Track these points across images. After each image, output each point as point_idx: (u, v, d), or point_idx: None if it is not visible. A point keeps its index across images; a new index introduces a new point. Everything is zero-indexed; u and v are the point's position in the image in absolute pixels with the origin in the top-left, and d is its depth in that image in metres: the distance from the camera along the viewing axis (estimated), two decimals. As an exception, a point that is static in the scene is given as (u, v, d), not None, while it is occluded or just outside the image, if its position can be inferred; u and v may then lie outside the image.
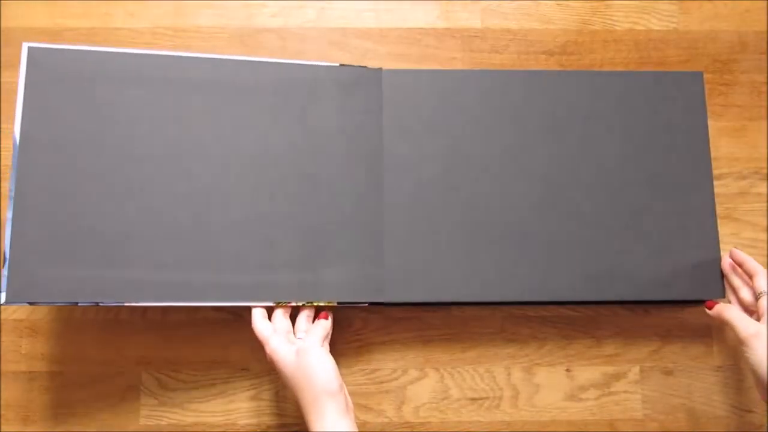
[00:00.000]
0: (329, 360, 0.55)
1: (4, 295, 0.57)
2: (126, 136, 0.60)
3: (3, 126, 0.68)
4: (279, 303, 0.62)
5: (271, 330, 0.58)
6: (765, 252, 0.66)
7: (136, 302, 0.58)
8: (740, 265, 0.60)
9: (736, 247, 0.63)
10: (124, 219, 0.59)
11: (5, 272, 0.57)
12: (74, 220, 0.58)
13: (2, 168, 0.67)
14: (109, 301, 0.58)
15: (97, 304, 0.58)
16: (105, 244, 0.58)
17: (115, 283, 0.58)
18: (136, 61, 0.61)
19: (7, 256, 0.57)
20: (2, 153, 0.67)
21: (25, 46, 0.60)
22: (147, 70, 0.61)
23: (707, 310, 0.60)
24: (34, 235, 0.58)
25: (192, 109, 0.62)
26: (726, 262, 0.61)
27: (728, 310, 0.58)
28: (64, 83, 0.60)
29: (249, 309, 0.64)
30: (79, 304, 0.59)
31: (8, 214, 0.58)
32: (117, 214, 0.59)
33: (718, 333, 0.65)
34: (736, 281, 0.60)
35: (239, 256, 0.61)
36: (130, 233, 0.59)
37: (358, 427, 0.62)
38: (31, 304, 0.58)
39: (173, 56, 0.62)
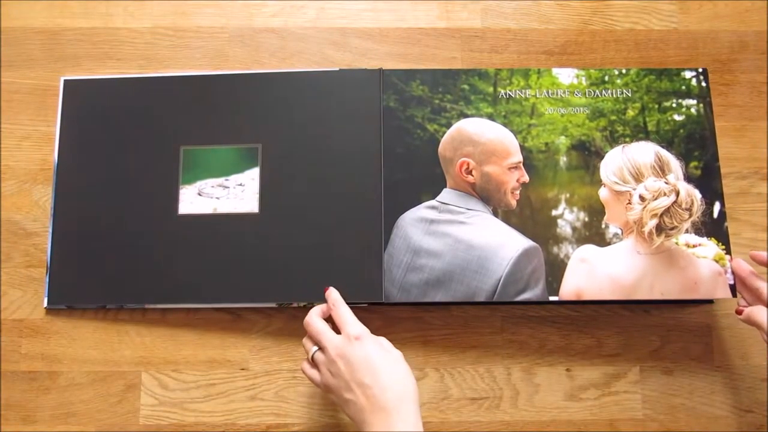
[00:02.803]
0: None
1: (46, 299, 0.64)
2: (148, 154, 0.66)
3: (3, 126, 0.68)
4: (281, 304, 0.63)
5: (327, 327, 0.55)
6: (765, 252, 0.66)
7: (154, 305, 0.63)
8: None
9: (734, 247, 0.63)
10: (146, 232, 0.64)
11: (47, 280, 0.64)
12: (104, 234, 0.64)
13: (2, 168, 0.67)
14: (133, 305, 0.63)
15: (121, 307, 0.64)
16: (129, 254, 0.64)
17: (137, 288, 0.63)
18: (153, 83, 0.67)
19: (49, 266, 0.64)
20: (2, 153, 0.67)
21: (61, 79, 0.68)
22: (160, 90, 0.67)
23: (738, 316, 0.58)
24: (71, 248, 0.64)
25: (202, 122, 0.66)
26: (744, 266, 0.59)
27: (759, 313, 0.56)
28: (96, 109, 0.67)
29: (249, 309, 0.64)
30: (107, 307, 0.64)
31: (49, 230, 0.65)
32: (139, 228, 0.64)
33: (718, 333, 0.65)
34: (758, 282, 0.58)
35: (243, 259, 0.62)
36: (149, 245, 0.64)
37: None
38: (69, 308, 0.64)
39: (178, 76, 0.68)
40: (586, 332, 0.65)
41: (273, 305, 0.63)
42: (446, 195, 0.64)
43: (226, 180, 0.64)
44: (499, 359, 0.64)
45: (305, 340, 0.56)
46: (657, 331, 0.65)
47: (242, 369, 0.63)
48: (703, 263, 0.62)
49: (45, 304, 0.64)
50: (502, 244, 0.62)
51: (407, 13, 0.71)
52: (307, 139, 0.65)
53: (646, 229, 0.62)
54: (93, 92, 0.67)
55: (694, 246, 0.62)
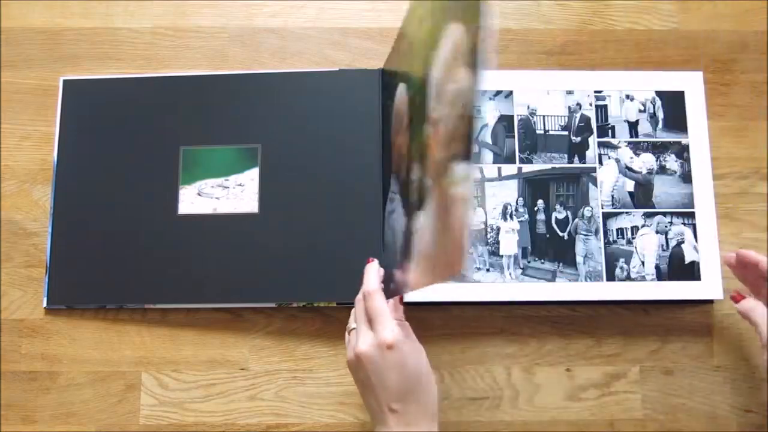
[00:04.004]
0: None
1: (46, 300, 0.64)
2: (148, 154, 0.65)
3: (3, 126, 0.68)
4: (281, 304, 0.63)
5: (367, 327, 0.49)
6: (765, 252, 0.66)
7: (154, 305, 0.63)
8: (755, 266, 0.57)
9: (735, 247, 0.63)
10: (146, 232, 0.64)
11: (47, 280, 0.64)
12: (104, 233, 0.64)
13: (2, 168, 0.67)
14: (132, 304, 0.63)
15: (121, 307, 0.63)
16: (129, 254, 0.64)
17: (137, 288, 0.63)
18: (153, 83, 0.67)
19: (49, 266, 0.64)
20: (2, 153, 0.67)
21: (61, 79, 0.67)
22: (160, 90, 0.67)
23: (733, 303, 0.57)
24: (71, 248, 0.64)
25: (202, 122, 0.66)
26: (730, 258, 0.59)
27: (756, 311, 0.55)
28: (96, 109, 0.67)
29: (249, 309, 0.64)
30: (107, 307, 0.64)
31: (48, 230, 0.65)
32: (139, 228, 0.64)
33: (718, 333, 0.65)
34: (758, 257, 0.56)
35: (243, 259, 0.63)
36: (149, 245, 0.64)
37: (358, 426, 0.62)
38: (68, 308, 0.64)
39: (178, 76, 0.67)
40: (586, 332, 0.65)
41: (273, 305, 0.63)
42: None
43: (226, 180, 0.64)
44: (499, 359, 0.64)
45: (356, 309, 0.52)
46: (657, 331, 0.65)
47: (242, 369, 0.63)
48: None
49: (45, 304, 0.64)
50: None
51: (407, 13, 0.71)
52: (306, 139, 0.65)
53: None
54: (93, 92, 0.67)
55: None
